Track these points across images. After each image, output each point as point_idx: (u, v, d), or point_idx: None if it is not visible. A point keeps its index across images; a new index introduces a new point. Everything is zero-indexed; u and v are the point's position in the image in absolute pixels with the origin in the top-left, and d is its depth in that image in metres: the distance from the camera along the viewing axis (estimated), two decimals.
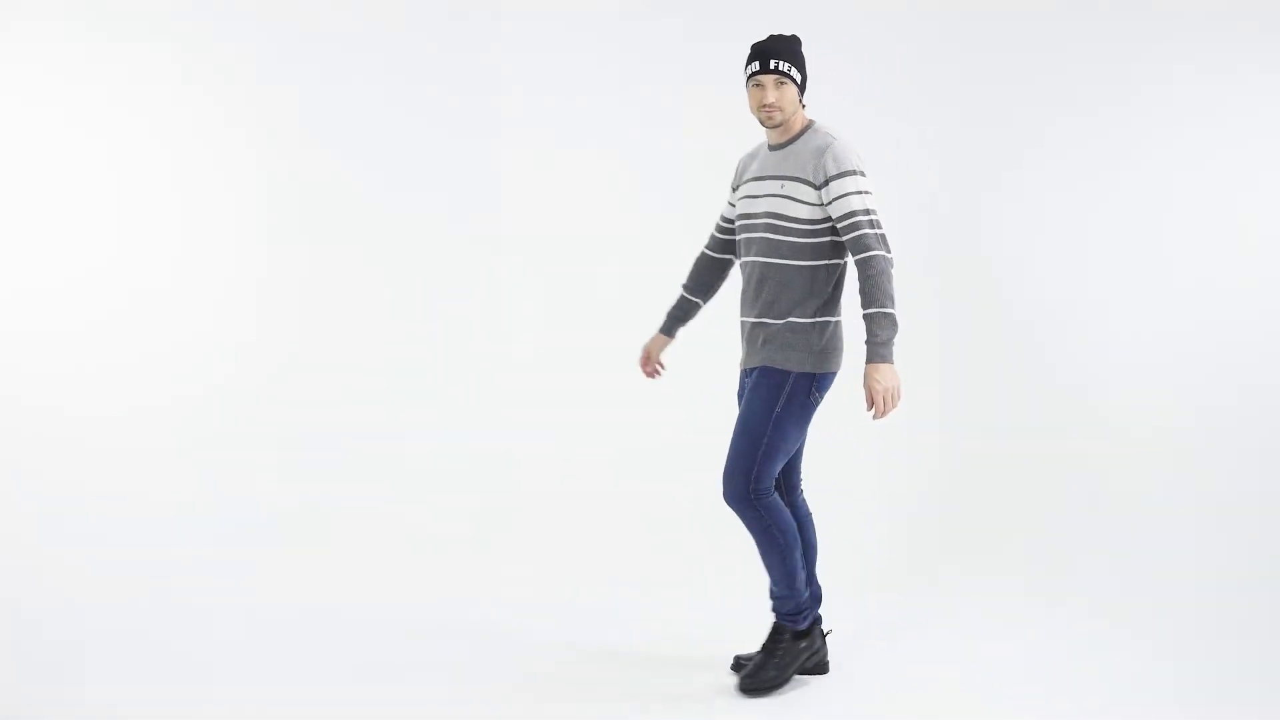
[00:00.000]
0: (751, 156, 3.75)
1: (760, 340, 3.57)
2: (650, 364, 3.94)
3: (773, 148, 3.62)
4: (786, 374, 3.51)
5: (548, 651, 3.97)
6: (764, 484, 3.54)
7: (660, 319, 3.93)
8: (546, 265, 5.55)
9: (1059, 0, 5.42)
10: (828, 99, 5.36)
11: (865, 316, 3.46)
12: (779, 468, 3.56)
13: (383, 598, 4.35)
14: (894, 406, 3.45)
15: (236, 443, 5.12)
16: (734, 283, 3.83)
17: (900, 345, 3.46)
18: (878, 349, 3.44)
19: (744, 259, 3.65)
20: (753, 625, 3.82)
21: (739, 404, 3.71)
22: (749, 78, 3.56)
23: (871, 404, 3.44)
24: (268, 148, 5.32)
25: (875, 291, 3.44)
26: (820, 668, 3.85)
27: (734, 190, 3.75)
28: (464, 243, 5.53)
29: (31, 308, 5.03)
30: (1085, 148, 5.42)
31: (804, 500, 3.80)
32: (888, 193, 5.42)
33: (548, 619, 4.22)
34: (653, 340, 3.93)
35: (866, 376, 3.44)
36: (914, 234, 5.49)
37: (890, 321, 3.44)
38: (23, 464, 4.86)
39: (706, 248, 3.88)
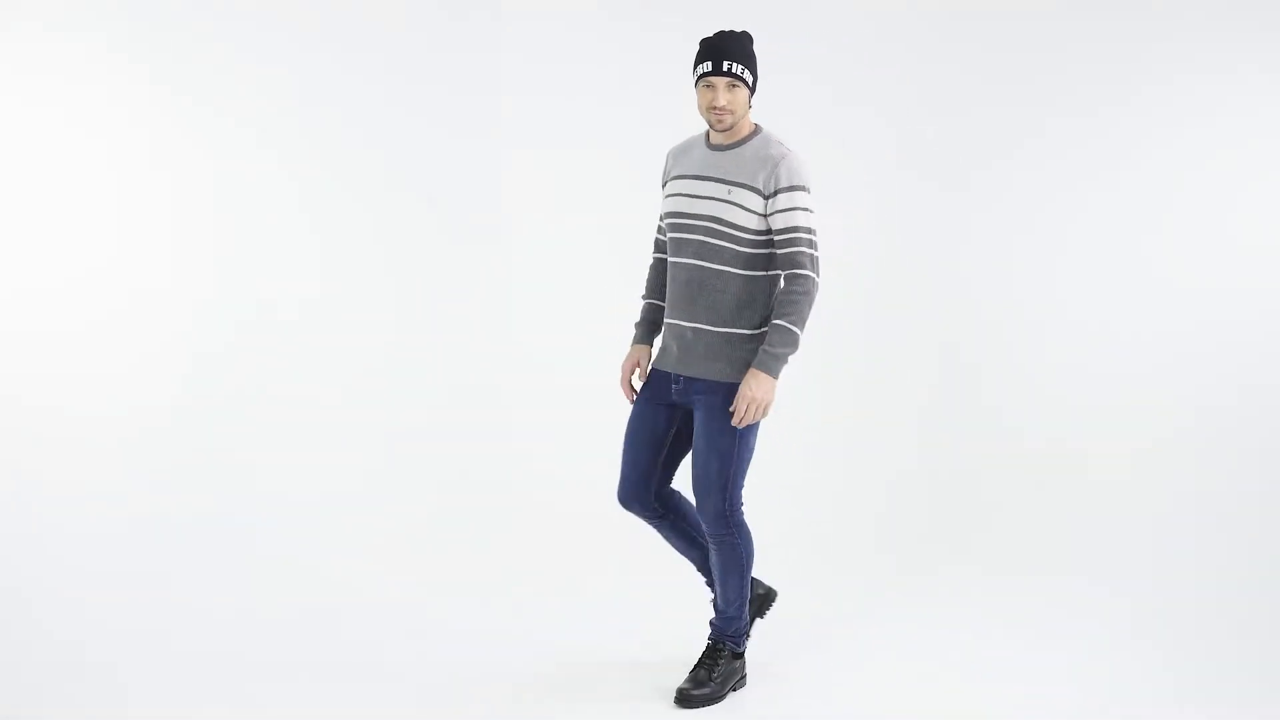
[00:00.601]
0: (684, 150, 3.58)
1: (701, 349, 3.48)
2: (640, 378, 3.67)
3: (715, 147, 3.48)
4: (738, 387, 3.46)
5: (547, 651, 3.97)
6: (738, 498, 3.55)
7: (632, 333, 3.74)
8: (546, 265, 5.54)
9: (1059, 0, 5.41)
10: (827, 100, 5.39)
11: (772, 325, 3.41)
12: (745, 477, 3.55)
13: (383, 598, 4.35)
14: (755, 418, 3.41)
15: (236, 442, 5.11)
16: None
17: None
18: (769, 360, 3.40)
19: (675, 259, 3.52)
20: (755, 624, 3.81)
21: (645, 403, 3.62)
22: (699, 78, 3.41)
23: (734, 407, 3.41)
24: (267, 148, 5.31)
25: (792, 308, 3.40)
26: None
27: (665, 186, 3.62)
28: (464, 243, 5.53)
29: (31, 308, 5.02)
30: (1085, 148, 5.42)
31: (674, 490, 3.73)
32: (887, 194, 5.49)
33: (547, 619, 4.23)
34: (638, 352, 3.71)
35: (746, 380, 3.40)
36: (914, 234, 5.51)
37: (794, 340, 3.40)
38: (23, 464, 4.86)
39: (659, 254, 3.74)
